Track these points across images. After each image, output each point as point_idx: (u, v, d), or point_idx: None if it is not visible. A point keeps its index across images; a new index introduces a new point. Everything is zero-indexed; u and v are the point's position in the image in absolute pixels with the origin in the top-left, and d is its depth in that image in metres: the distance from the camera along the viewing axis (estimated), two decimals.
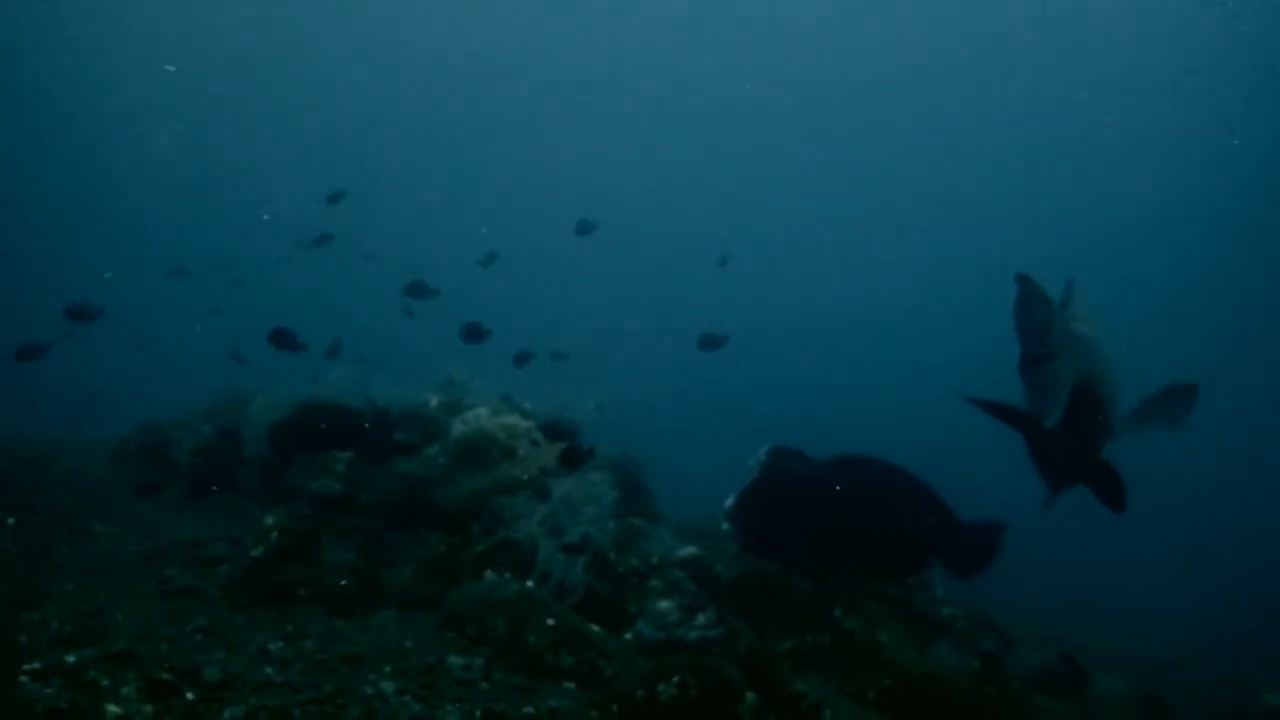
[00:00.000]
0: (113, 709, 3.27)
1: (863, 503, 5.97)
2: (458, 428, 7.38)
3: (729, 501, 6.04)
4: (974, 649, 5.90)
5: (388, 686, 4.01)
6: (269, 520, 5.79)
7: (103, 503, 6.86)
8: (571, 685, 4.55)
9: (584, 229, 11.97)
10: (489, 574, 5.66)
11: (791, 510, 5.94)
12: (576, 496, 6.11)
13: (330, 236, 11.72)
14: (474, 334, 8.25)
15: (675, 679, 4.01)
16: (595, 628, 5.02)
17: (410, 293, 9.81)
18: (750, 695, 3.98)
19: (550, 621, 4.86)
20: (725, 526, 6.00)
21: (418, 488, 7.21)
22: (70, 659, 3.74)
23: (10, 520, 6.04)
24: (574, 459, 6.25)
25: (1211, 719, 5.66)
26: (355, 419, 7.58)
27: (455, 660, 4.52)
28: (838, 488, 6.00)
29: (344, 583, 5.36)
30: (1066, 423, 5.32)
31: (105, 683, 3.54)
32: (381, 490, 7.11)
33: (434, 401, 8.18)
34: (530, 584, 5.37)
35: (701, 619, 5.01)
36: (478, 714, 3.92)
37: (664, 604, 5.17)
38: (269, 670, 4.00)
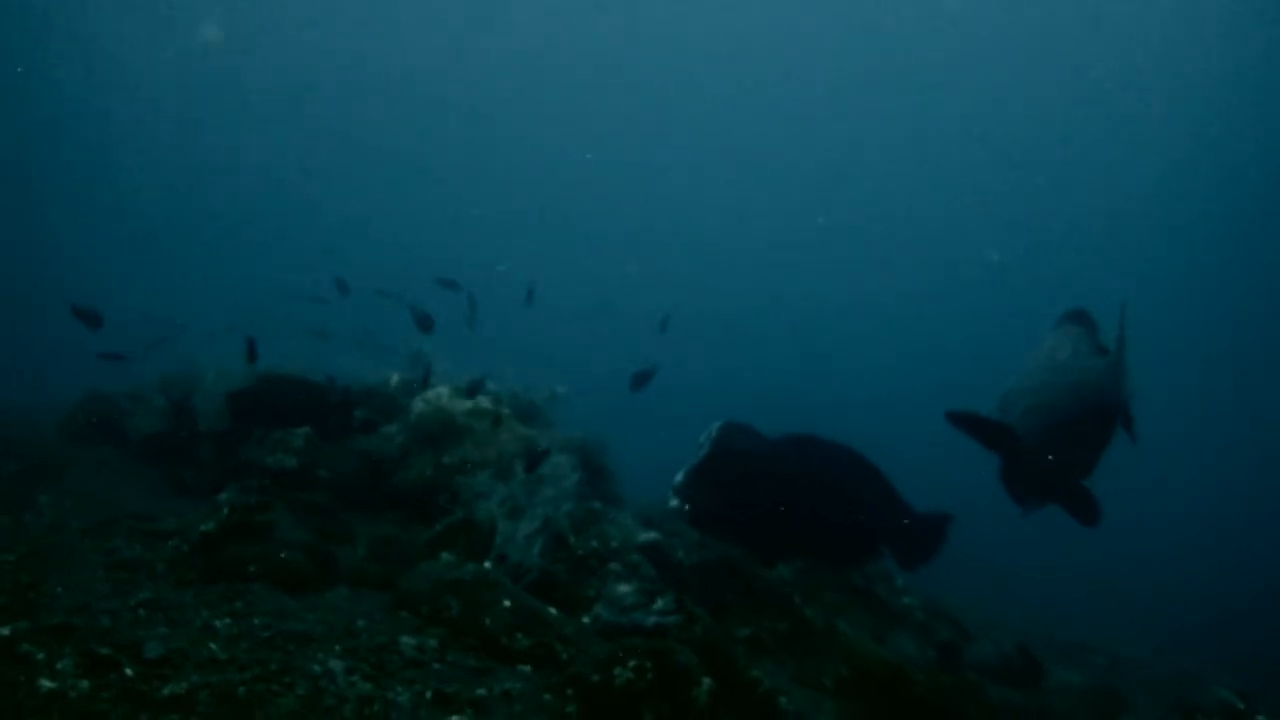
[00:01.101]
0: (46, 683, 3.15)
1: (813, 485, 5.93)
2: (418, 406, 7.27)
3: (678, 477, 5.95)
4: (931, 639, 5.91)
5: (336, 665, 3.91)
6: (221, 495, 5.66)
7: (50, 473, 6.67)
8: (527, 668, 4.48)
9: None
10: (445, 554, 5.57)
11: (741, 488, 5.88)
12: (537, 478, 6.02)
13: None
14: (425, 324, 8.07)
15: (631, 663, 3.94)
16: (552, 610, 4.95)
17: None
18: (706, 681, 3.93)
19: (507, 603, 4.78)
20: (673, 502, 5.91)
21: (376, 466, 7.09)
22: (4, 631, 3.60)
23: None
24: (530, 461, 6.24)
25: (1162, 711, 5.70)
26: (315, 393, 7.41)
27: (408, 640, 4.42)
28: (789, 467, 5.94)
29: (296, 560, 5.24)
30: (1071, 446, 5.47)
31: (40, 656, 3.41)
32: (339, 467, 6.98)
33: (395, 379, 8.05)
34: (487, 565, 5.28)
35: (660, 604, 4.95)
36: (429, 695, 3.84)
37: (623, 588, 5.11)
38: (214, 647, 3.88)
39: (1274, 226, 30.16)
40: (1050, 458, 5.59)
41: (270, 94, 35.28)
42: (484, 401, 7.53)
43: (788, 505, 5.91)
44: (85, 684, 3.23)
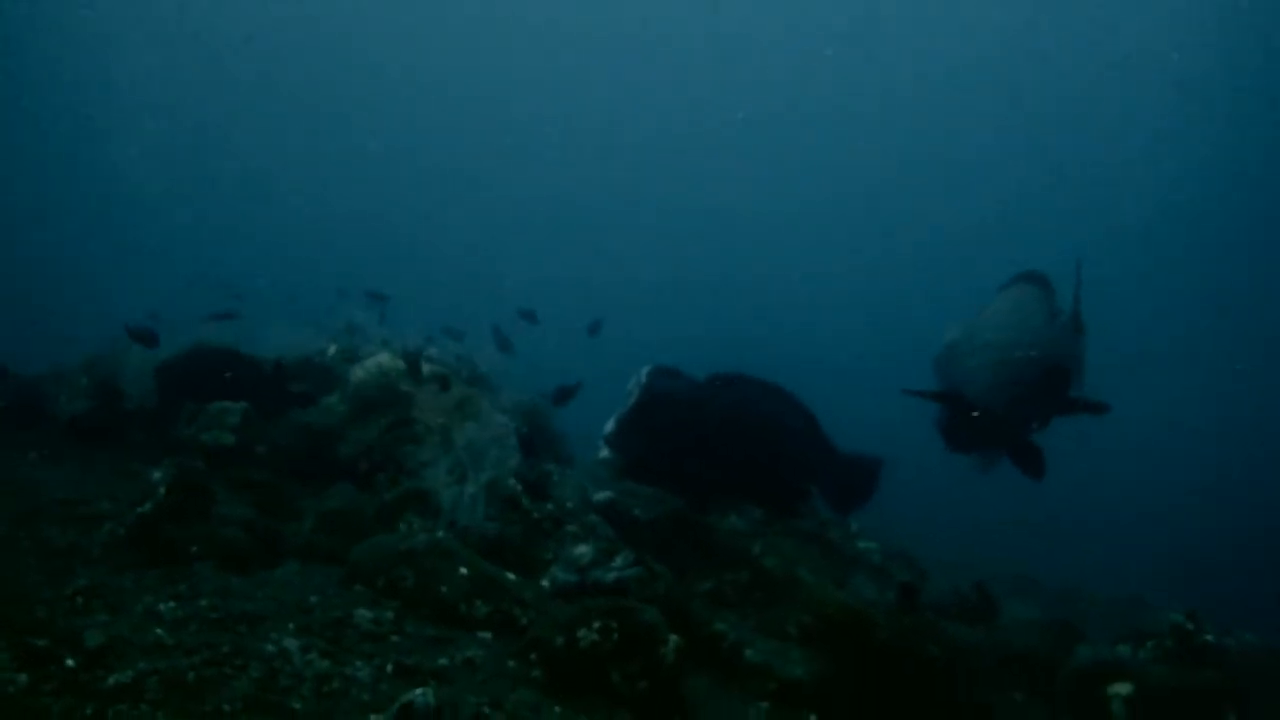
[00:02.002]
0: None
1: (743, 426, 5.84)
2: (357, 374, 7.06)
3: (608, 427, 5.77)
4: (889, 582, 5.95)
5: (291, 644, 3.78)
6: (156, 474, 5.43)
7: None
8: (487, 635, 4.40)
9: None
10: (397, 524, 5.43)
11: (672, 434, 5.75)
12: (482, 442, 5.88)
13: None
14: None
15: (595, 624, 3.88)
16: (510, 575, 4.86)
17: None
18: (673, 638, 3.88)
19: (463, 571, 4.68)
20: (604, 453, 5.77)
21: (317, 439, 6.88)
22: None
23: None
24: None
25: (1115, 637, 5.86)
26: (249, 366, 7.12)
27: (364, 614, 4.30)
28: (719, 409, 5.84)
29: (240, 538, 5.06)
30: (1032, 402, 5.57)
31: None
32: (278, 442, 6.77)
33: (332, 349, 7.81)
34: (440, 534, 5.15)
35: (619, 561, 4.89)
36: (389, 668, 3.73)
37: (580, 549, 5.03)
38: (159, 632, 3.71)
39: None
40: (1008, 416, 5.75)
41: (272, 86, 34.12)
42: (425, 366, 7.35)
43: (718, 448, 5.83)
44: (24, 678, 3.05)
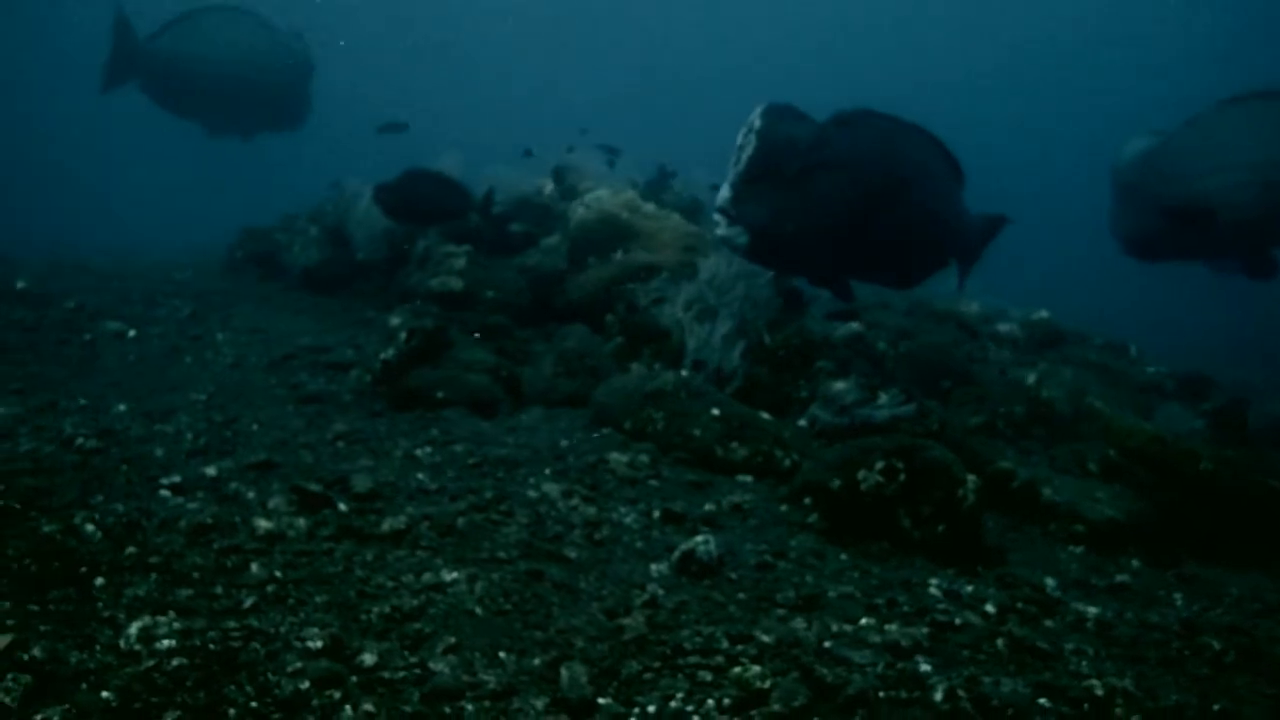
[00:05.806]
0: (263, 523, 2.90)
1: (887, 183, 4.54)
2: (579, 212, 6.74)
3: (723, 193, 4.51)
4: (1194, 409, 5.20)
5: (551, 489, 3.59)
6: (394, 320, 5.39)
7: (221, 312, 6.56)
8: (748, 478, 4.08)
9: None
10: (636, 365, 5.17)
11: (801, 193, 4.45)
12: (724, 275, 5.46)
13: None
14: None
15: (878, 465, 3.46)
16: (764, 415, 4.50)
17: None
18: (971, 477, 3.42)
19: (715, 411, 4.35)
20: (721, 229, 4.54)
21: (542, 280, 6.68)
22: (210, 471, 3.40)
23: (132, 332, 5.77)
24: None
25: None
26: (457, 190, 6.72)
27: (618, 458, 4.06)
28: (856, 161, 4.51)
29: (483, 382, 4.94)
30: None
31: (250, 495, 3.19)
32: (505, 285, 6.61)
33: (549, 187, 7.51)
34: (684, 373, 4.84)
35: (885, 398, 4.42)
36: (656, 515, 3.48)
37: (840, 385, 4.59)
38: (421, 477, 3.61)
39: None
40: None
41: None
42: (643, 200, 6.95)
43: (861, 212, 4.53)
44: (302, 522, 2.97)
